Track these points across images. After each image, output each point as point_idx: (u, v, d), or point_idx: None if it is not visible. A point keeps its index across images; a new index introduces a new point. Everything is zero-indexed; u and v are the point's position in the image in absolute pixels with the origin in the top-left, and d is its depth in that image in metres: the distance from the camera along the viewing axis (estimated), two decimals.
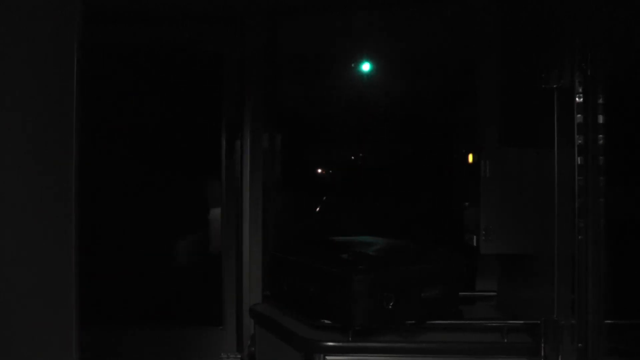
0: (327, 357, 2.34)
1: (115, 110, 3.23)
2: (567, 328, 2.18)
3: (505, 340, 2.34)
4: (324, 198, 3.37)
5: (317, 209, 3.39)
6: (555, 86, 2.21)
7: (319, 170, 3.41)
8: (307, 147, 3.44)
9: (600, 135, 2.15)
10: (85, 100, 1.76)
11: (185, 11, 3.09)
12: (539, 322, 2.24)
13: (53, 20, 1.66)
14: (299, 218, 3.38)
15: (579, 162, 2.16)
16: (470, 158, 2.69)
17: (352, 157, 3.42)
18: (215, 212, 3.28)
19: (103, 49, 3.01)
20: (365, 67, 3.28)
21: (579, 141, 2.16)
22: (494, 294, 2.89)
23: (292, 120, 3.37)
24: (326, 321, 2.40)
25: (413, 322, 2.38)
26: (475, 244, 2.56)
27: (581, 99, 2.17)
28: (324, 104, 3.36)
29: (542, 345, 2.23)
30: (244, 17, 3.10)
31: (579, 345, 2.15)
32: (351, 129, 3.41)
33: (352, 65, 3.29)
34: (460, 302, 2.60)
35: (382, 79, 3.30)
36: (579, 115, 2.17)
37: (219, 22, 3.18)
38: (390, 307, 2.31)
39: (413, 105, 3.32)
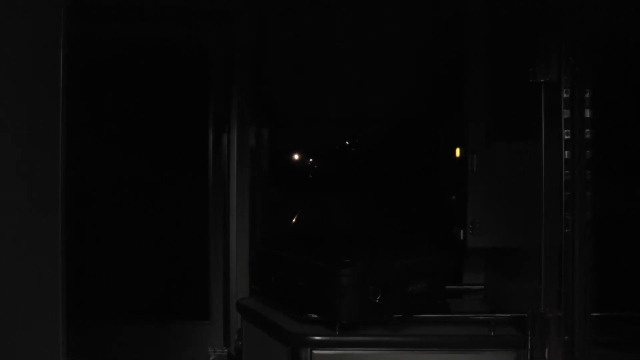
0: (314, 351, 2.34)
1: (101, 105, 3.21)
2: (554, 321, 2.19)
3: (492, 333, 2.35)
4: (311, 192, 3.37)
5: (304, 201, 3.38)
6: (542, 81, 2.22)
7: (300, 159, 3.40)
8: (293, 140, 3.44)
9: (587, 130, 2.16)
10: (72, 96, 1.74)
11: (173, 6, 3.07)
12: (525, 315, 2.25)
13: (38, 17, 1.65)
14: (286, 212, 3.38)
15: (566, 156, 2.17)
16: (458, 152, 2.70)
17: (338, 148, 3.41)
18: (202, 207, 3.26)
19: (89, 44, 2.99)
20: None
21: (566, 136, 2.17)
22: (481, 287, 2.90)
23: (278, 114, 3.37)
24: (313, 315, 2.40)
25: (400, 315, 2.38)
26: (462, 237, 2.56)
27: (568, 94, 2.18)
28: (311, 97, 3.36)
29: (529, 337, 2.23)
30: (231, 13, 3.08)
31: (566, 337, 2.16)
32: (338, 122, 3.41)
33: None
34: (448, 296, 2.60)
35: (369, 73, 3.30)
36: (566, 110, 2.18)
37: (206, 16, 3.17)
38: (377, 300, 2.32)
39: (400, 99, 3.32)
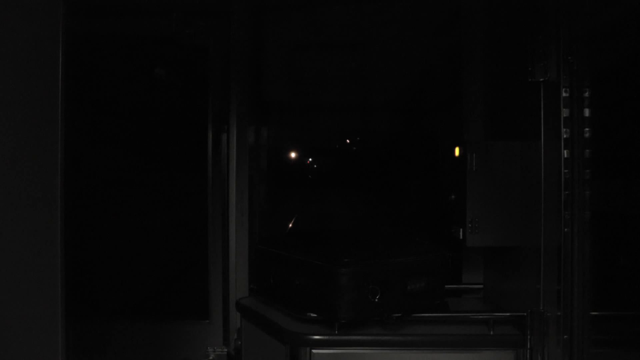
0: (313, 351, 2.34)
1: (100, 105, 3.21)
2: (553, 319, 2.19)
3: (492, 332, 2.35)
4: (310, 190, 3.37)
5: (303, 201, 3.38)
6: (541, 80, 2.22)
7: (299, 158, 3.40)
8: (292, 139, 3.44)
9: (586, 129, 2.16)
10: (71, 95, 1.74)
11: (171, 3, 3.07)
12: (525, 313, 2.25)
13: (37, 15, 1.65)
14: (286, 211, 3.38)
15: (565, 155, 2.17)
16: (457, 151, 2.70)
17: (337, 147, 3.41)
18: (202, 206, 3.26)
19: (88, 41, 2.99)
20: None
21: (565, 134, 2.17)
22: (480, 286, 2.90)
23: (277, 112, 3.37)
24: (312, 314, 2.40)
25: (399, 314, 2.38)
26: (461, 236, 2.56)
27: (567, 93, 2.18)
28: (310, 95, 3.36)
29: (528, 336, 2.24)
30: (229, 10, 3.08)
31: (565, 336, 2.16)
32: (337, 121, 3.41)
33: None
34: (447, 295, 2.60)
35: (368, 72, 3.30)
36: (565, 109, 2.18)
37: (205, 14, 3.16)
38: (376, 300, 2.32)
39: (399, 98, 3.32)
